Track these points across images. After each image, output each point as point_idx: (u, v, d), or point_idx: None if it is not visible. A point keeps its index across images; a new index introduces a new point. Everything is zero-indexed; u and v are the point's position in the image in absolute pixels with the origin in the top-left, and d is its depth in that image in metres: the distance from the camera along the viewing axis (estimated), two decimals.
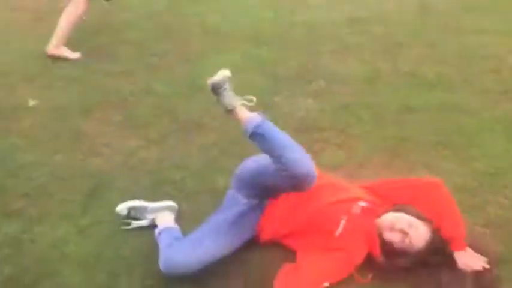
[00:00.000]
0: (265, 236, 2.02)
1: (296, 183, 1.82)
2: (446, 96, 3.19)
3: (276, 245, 2.02)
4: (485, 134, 2.81)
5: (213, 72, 3.49)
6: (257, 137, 1.86)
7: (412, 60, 3.69)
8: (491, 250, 1.95)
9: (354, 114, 3.04)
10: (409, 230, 1.86)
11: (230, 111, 1.98)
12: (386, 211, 1.96)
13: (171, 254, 1.84)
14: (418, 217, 1.91)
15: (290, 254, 1.96)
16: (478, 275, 1.84)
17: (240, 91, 3.27)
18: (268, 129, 1.86)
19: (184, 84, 3.39)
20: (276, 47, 3.92)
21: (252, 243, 2.02)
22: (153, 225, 2.11)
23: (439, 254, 1.86)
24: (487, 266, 1.84)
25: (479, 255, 1.86)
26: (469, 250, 1.87)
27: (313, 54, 3.79)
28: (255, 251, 2.00)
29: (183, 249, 1.86)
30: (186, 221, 2.15)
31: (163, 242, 1.95)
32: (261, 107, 3.09)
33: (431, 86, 3.32)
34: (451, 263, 1.86)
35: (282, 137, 1.86)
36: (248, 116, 1.94)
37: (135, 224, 2.13)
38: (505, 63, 3.58)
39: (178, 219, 2.15)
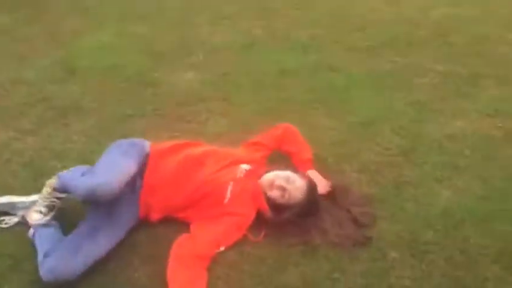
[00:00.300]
0: (155, 215, 2.01)
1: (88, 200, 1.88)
2: (319, 56, 3.37)
3: (167, 221, 2.03)
4: (355, 89, 3.02)
5: (88, 54, 3.36)
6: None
7: (286, 24, 3.83)
8: (358, 193, 2.16)
9: (235, 82, 3.11)
10: (286, 185, 1.98)
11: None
12: (267, 171, 2.06)
13: (52, 265, 1.73)
14: (295, 171, 2.04)
15: (184, 226, 1.98)
16: (356, 215, 2.02)
17: (117, 70, 3.21)
18: (64, 181, 1.97)
19: (58, 68, 3.23)
20: (152, 22, 3.85)
21: (142, 224, 2.01)
22: (25, 222, 2.00)
23: (317, 203, 2.01)
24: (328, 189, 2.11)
25: (324, 180, 2.15)
26: (315, 173, 2.18)
27: (190, 27, 3.79)
28: (145, 231, 2.00)
29: (64, 258, 1.75)
30: (71, 209, 2.07)
31: (39, 248, 1.85)
32: (141, 84, 3.08)
33: (305, 48, 3.47)
34: (330, 209, 2.02)
35: (69, 178, 1.97)
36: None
37: (7, 222, 2.01)
38: (369, 21, 3.85)
39: (61, 209, 2.06)
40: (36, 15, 3.89)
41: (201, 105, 2.85)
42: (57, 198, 2.02)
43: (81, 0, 4.15)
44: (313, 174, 2.17)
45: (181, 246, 1.84)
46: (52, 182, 2.03)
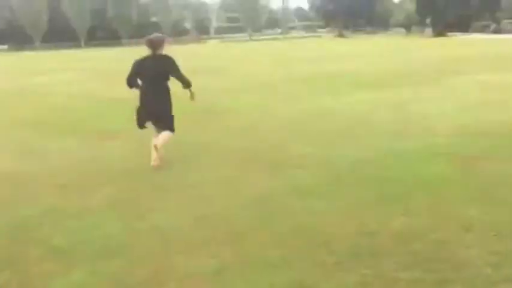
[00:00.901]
0: None
1: None
2: (290, 273, 3.45)
3: None
4: None
5: None
6: None
7: (255, 246, 3.99)
8: None
9: None
10: None
11: None
12: None
13: None
14: None
15: None
16: None
17: None
18: None
19: None
20: (127, 257, 3.94)
21: None
22: None
23: None
24: None
25: None
26: None
27: (164, 258, 3.89)
28: None
29: None
30: None
31: None
32: None
33: (276, 267, 3.58)
34: None
35: None
36: None
37: None
38: (331, 235, 4.06)
39: None
40: (6, 261, 3.95)
41: None
42: None
43: (52, 241, 4.28)
44: None
45: None
46: None
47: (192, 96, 6.48)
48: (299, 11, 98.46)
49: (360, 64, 19.77)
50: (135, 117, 6.37)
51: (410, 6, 59.93)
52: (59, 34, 64.78)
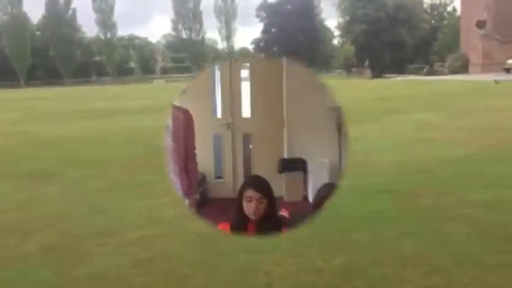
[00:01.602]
0: None
1: None
2: None
3: None
4: None
5: None
6: None
7: None
8: None
9: None
10: None
11: None
12: None
13: None
14: None
15: None
16: None
17: None
18: None
19: None
20: None
21: None
22: None
23: None
24: None
25: None
26: None
27: None
28: None
29: None
30: None
31: None
32: None
33: None
34: None
35: None
36: None
37: None
38: (278, 276, 4.04)
39: None
40: None
41: None
42: None
43: None
44: None
45: None
46: None
47: None
48: (244, 52, 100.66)
49: None
50: None
51: (350, 49, 62.72)
52: None
